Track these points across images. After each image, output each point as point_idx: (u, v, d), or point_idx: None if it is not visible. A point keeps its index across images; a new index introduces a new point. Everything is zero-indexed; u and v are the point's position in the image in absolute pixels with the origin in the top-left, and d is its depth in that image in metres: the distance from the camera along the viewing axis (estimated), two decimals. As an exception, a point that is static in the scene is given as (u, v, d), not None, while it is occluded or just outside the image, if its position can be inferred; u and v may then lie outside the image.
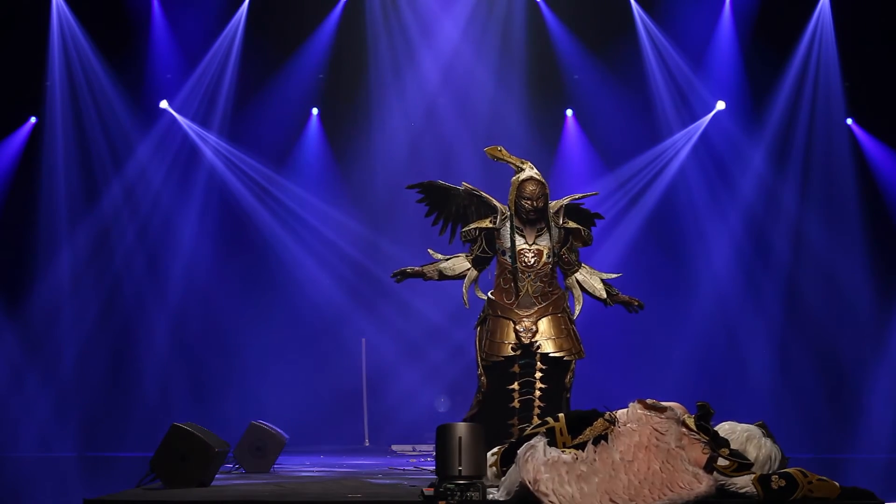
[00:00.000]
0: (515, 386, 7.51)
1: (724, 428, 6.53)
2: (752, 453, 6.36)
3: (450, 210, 8.13)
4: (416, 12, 13.64)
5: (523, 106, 13.65)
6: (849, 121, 13.46)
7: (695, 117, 13.64)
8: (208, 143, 13.65)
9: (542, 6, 13.57)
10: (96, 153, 13.36)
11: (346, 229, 13.87)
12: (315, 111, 13.98)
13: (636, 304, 8.01)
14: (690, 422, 6.12)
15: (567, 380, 7.59)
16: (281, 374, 13.15)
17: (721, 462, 6.05)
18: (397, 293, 12.81)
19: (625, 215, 13.82)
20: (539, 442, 6.02)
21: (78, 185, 13.33)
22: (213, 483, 7.44)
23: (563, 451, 5.89)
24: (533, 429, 6.33)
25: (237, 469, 8.88)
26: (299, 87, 13.65)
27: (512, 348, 7.60)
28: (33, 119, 13.41)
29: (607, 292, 7.91)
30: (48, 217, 13.23)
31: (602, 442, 5.85)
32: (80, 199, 13.32)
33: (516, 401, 7.48)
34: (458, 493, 5.97)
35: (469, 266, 7.90)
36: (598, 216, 8.13)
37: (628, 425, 5.94)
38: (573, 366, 7.62)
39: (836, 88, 13.34)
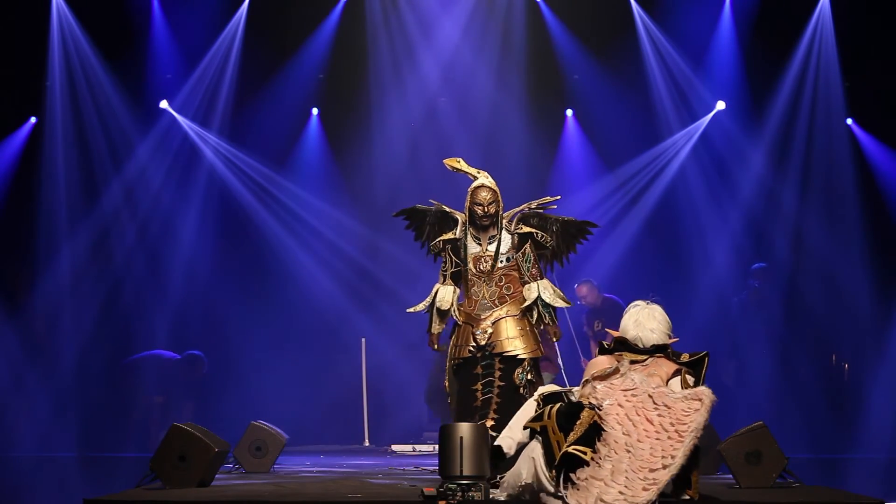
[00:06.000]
0: (478, 386, 7.77)
1: (630, 320, 6.39)
2: (662, 328, 6.31)
3: (427, 231, 8.34)
4: (416, 12, 13.63)
5: (523, 106, 13.65)
6: (849, 121, 13.46)
7: (695, 117, 13.64)
8: (208, 143, 13.65)
9: (542, 6, 13.57)
10: (96, 153, 13.34)
11: (346, 229, 13.87)
12: (315, 111, 13.98)
13: (551, 338, 8.17)
14: (629, 357, 6.16)
15: (516, 375, 7.72)
16: (281, 374, 13.14)
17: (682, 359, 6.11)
18: (397, 293, 12.79)
19: (625, 215, 13.82)
20: (536, 456, 5.95)
21: (78, 185, 13.31)
22: (213, 483, 7.45)
23: (584, 458, 5.74)
24: (529, 422, 6.15)
25: (237, 469, 8.88)
26: (299, 87, 13.64)
27: (469, 350, 7.85)
28: (33, 119, 13.40)
29: (546, 318, 7.94)
30: (48, 217, 13.21)
31: (603, 432, 5.80)
32: (80, 199, 13.29)
33: (479, 400, 7.72)
34: (460, 493, 5.95)
35: (452, 287, 8.08)
36: (592, 223, 8.07)
37: (605, 404, 5.91)
38: (526, 362, 7.76)
39: (836, 88, 13.33)
